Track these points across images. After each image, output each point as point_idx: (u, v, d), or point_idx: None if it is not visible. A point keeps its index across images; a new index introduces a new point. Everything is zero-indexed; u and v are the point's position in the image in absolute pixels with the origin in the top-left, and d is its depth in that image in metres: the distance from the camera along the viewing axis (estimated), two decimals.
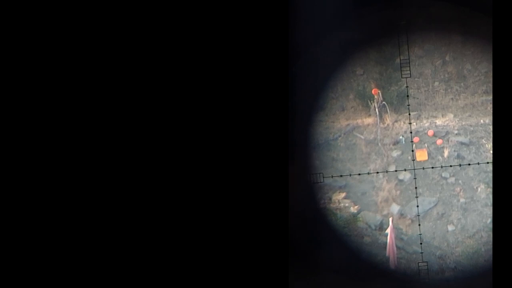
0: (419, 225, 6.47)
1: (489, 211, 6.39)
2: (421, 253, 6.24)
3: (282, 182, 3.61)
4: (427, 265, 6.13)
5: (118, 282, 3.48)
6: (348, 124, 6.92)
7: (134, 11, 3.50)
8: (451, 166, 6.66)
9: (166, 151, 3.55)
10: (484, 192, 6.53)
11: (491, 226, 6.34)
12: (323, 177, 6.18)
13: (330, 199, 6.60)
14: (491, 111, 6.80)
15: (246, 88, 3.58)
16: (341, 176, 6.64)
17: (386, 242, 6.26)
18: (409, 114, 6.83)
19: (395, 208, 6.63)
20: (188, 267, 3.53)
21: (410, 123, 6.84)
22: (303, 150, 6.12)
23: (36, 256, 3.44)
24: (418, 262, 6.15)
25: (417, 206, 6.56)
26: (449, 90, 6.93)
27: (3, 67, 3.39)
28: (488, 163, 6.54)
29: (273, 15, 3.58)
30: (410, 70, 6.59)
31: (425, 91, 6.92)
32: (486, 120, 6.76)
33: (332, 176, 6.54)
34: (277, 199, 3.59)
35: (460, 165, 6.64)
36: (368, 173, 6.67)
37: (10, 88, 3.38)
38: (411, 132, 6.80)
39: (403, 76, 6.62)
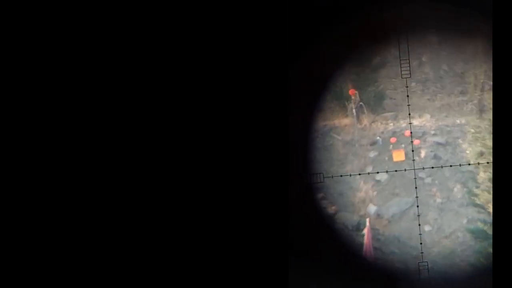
0: (395, 225, 6.49)
1: (465, 211, 6.45)
2: (394, 252, 6.26)
3: (280, 183, 3.57)
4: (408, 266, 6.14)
5: (117, 282, 3.43)
6: (325, 125, 6.91)
7: (129, 9, 3.45)
8: (432, 167, 6.70)
9: (165, 151, 3.50)
10: (460, 192, 6.59)
11: (467, 226, 6.40)
12: (323, 177, 6.14)
13: None
14: (467, 112, 6.90)
15: (245, 87, 3.54)
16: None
17: (363, 243, 6.25)
18: (386, 114, 6.85)
19: (372, 208, 6.64)
20: (186, 267, 3.50)
21: (387, 124, 6.86)
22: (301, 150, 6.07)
23: (36, 256, 3.37)
24: (396, 263, 6.16)
25: (394, 206, 6.59)
26: (425, 91, 6.98)
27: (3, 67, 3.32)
28: (460, 165, 6.61)
29: (271, 14, 3.54)
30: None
31: (401, 91, 6.96)
32: (463, 120, 6.84)
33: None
34: (274, 199, 3.56)
35: (442, 166, 6.68)
36: (347, 175, 6.66)
37: (10, 88, 3.31)
38: (387, 133, 6.83)
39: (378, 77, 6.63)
